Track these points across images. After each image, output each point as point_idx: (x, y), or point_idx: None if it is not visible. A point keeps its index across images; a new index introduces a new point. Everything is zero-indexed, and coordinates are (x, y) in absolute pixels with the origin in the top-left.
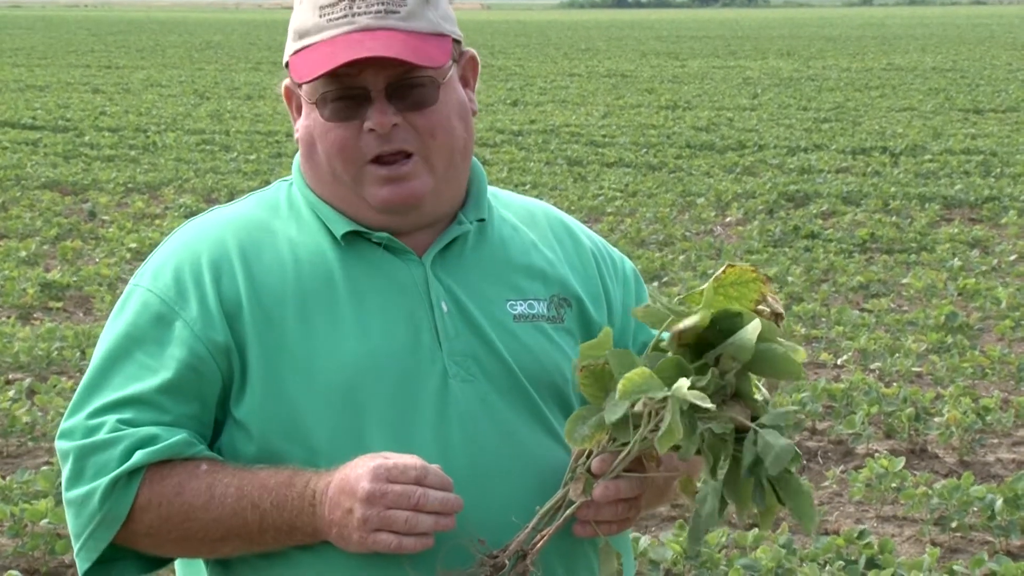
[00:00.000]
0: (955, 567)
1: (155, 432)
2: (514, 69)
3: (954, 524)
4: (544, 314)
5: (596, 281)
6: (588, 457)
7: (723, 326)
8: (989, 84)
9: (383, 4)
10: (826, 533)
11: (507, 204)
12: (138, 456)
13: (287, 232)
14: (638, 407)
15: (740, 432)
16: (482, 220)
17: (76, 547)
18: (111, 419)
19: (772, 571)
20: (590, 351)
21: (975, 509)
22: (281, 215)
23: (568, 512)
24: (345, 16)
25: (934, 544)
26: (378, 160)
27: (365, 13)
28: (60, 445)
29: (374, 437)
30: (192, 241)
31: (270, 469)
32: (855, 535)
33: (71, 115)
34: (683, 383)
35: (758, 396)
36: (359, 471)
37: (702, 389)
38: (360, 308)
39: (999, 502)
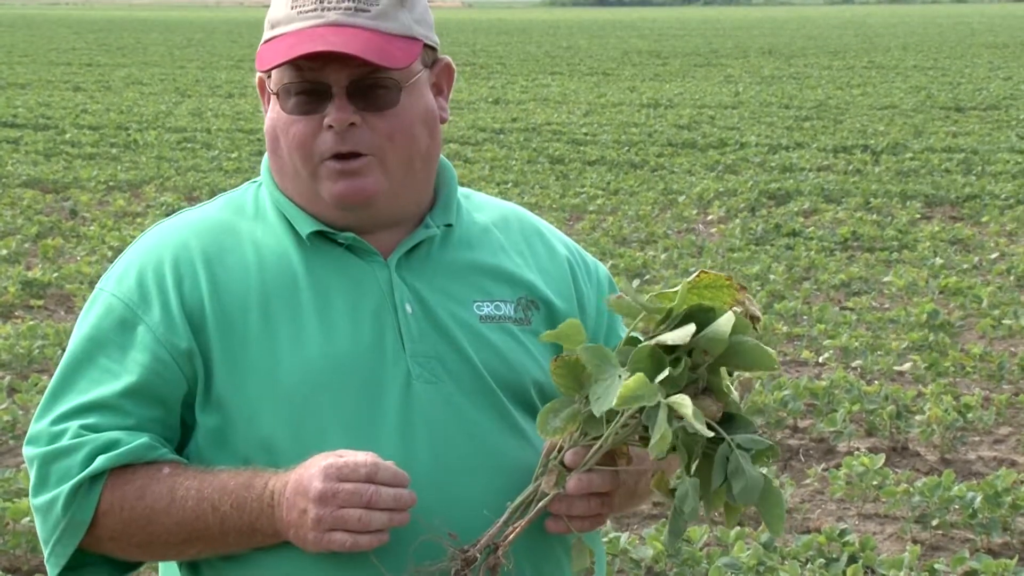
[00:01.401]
0: (936, 565)
1: (117, 437)
2: (496, 67)
3: (935, 522)
4: (511, 316)
5: (569, 285)
6: (560, 451)
7: (696, 321)
8: (970, 82)
9: (354, 1)
10: (807, 531)
11: (479, 206)
12: (99, 461)
13: (252, 234)
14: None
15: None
16: (449, 225)
17: (45, 553)
18: (74, 425)
19: (753, 569)
20: (556, 339)
21: (956, 507)
22: (247, 217)
23: (541, 505)
24: (315, 10)
25: (915, 542)
26: (335, 157)
27: (335, 9)
28: (26, 452)
29: (337, 440)
30: (156, 245)
31: (231, 471)
32: (836, 533)
33: (52, 113)
34: (684, 399)
35: (732, 396)
36: (311, 471)
37: (675, 380)
38: (324, 310)
39: (980, 500)
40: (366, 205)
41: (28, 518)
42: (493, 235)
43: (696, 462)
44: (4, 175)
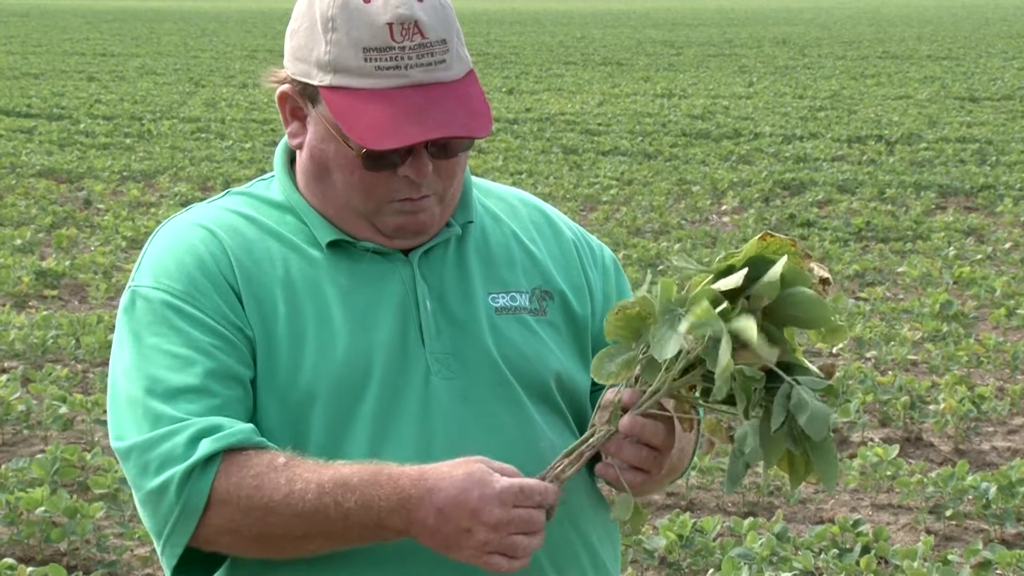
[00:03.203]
0: (950, 555)
1: (218, 421)
2: (510, 57)
3: (949, 512)
4: (526, 306)
5: (578, 270)
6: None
7: (755, 273)
8: (985, 72)
9: (431, 55)
10: (821, 521)
11: (487, 193)
12: (210, 444)
13: (273, 230)
14: (686, 344)
15: (770, 379)
16: (470, 222)
17: (159, 546)
18: (166, 411)
19: (766, 559)
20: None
21: (970, 497)
22: (265, 214)
23: (592, 440)
24: (395, 67)
25: (929, 532)
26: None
27: (417, 66)
28: (117, 446)
29: (359, 433)
30: (184, 237)
31: (349, 465)
32: (850, 523)
33: (66, 103)
34: (750, 322)
35: (789, 344)
36: (485, 492)
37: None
38: (347, 307)
39: (993, 490)
40: (421, 235)
41: (42, 508)
42: (504, 224)
43: (753, 409)
44: (18, 165)
